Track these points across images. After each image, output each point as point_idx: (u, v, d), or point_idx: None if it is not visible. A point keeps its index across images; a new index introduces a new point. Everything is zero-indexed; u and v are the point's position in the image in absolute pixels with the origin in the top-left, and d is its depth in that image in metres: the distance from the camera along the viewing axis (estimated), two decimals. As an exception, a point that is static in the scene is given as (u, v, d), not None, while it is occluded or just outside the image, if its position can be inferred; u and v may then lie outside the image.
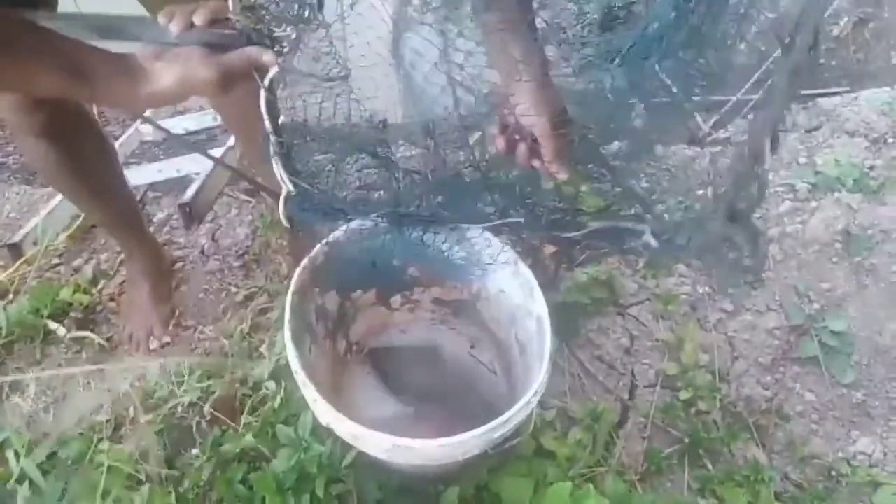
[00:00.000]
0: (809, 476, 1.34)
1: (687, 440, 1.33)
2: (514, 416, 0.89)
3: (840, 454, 1.37)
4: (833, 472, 1.34)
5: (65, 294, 1.52)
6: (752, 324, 1.53)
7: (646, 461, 1.31)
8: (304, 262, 1.04)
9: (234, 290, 1.54)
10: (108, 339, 1.46)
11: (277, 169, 0.89)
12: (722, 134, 1.95)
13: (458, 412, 1.25)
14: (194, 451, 1.18)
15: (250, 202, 1.76)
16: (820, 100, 1.96)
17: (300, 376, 0.94)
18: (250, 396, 1.22)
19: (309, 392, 0.93)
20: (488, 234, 1.05)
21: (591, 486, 0.94)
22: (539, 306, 0.99)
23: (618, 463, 1.29)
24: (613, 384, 1.42)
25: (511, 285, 1.08)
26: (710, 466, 1.33)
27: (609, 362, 1.45)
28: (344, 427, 0.91)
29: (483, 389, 1.29)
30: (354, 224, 1.04)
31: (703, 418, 1.37)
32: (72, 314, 1.50)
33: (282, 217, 0.95)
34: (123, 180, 1.36)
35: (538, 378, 0.92)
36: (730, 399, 1.39)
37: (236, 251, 1.64)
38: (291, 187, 0.91)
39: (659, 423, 1.37)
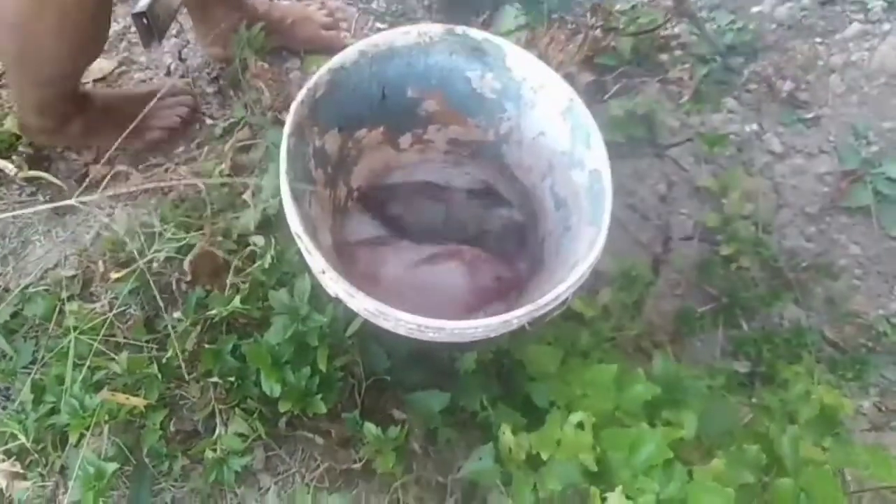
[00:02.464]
0: (847, 334, 1.24)
1: (724, 299, 1.21)
2: (565, 290, 0.74)
3: (881, 311, 1.27)
4: (872, 331, 1.24)
5: (10, 124, 1.28)
6: (801, 168, 1.36)
7: (677, 321, 1.20)
8: (302, 94, 0.82)
9: (209, 122, 1.31)
10: (68, 179, 1.25)
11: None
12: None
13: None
14: (176, 315, 1.03)
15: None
16: None
17: (304, 241, 0.76)
18: (235, 252, 1.05)
19: (315, 261, 0.76)
20: (535, 61, 0.82)
21: (640, 370, 0.81)
22: (597, 158, 0.80)
23: (647, 322, 1.18)
24: (646, 237, 1.27)
25: (557, 128, 0.88)
26: (745, 326, 1.23)
27: (643, 212, 1.29)
28: (358, 302, 0.76)
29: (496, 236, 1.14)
30: (363, 44, 0.81)
31: (741, 275, 1.24)
32: (21, 149, 1.27)
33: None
34: None
35: (592, 247, 0.76)
36: (771, 253, 1.25)
37: (208, 73, 1.38)
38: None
39: (693, 280, 1.24)
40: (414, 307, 0.72)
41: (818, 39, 1.47)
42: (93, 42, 1.03)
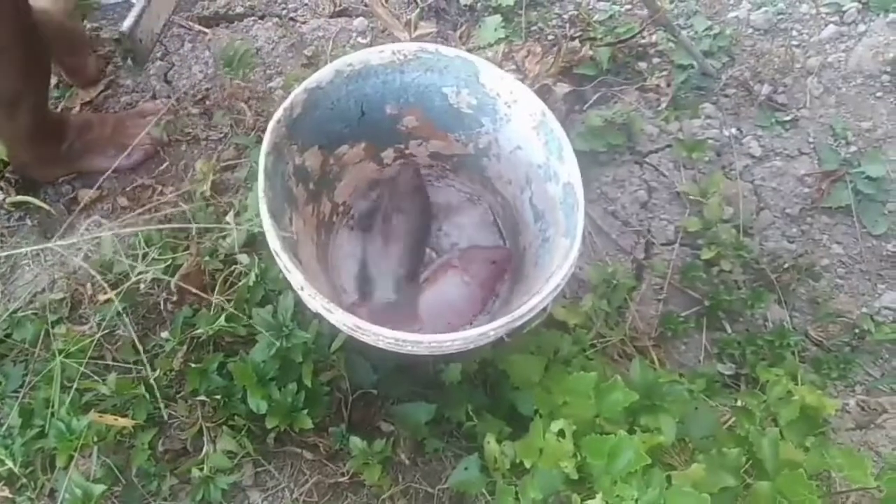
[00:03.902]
0: (832, 333, 1.26)
1: (707, 302, 1.22)
2: (540, 302, 0.75)
3: (864, 309, 1.28)
4: (856, 330, 1.25)
5: (-4, 151, 1.30)
6: (781, 170, 1.37)
7: (661, 325, 1.21)
8: (278, 114, 0.83)
9: (195, 142, 1.32)
10: (56, 203, 1.27)
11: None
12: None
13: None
14: (164, 335, 1.04)
15: (206, 34, 1.48)
16: None
17: (282, 259, 0.77)
18: (221, 271, 1.06)
19: (294, 278, 0.78)
20: (507, 78, 0.84)
21: (618, 377, 0.82)
22: (569, 171, 0.81)
23: (630, 328, 1.19)
24: (628, 243, 1.28)
25: (532, 142, 0.89)
26: (728, 329, 1.24)
27: (624, 218, 1.30)
28: (337, 317, 0.77)
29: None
30: (339, 63, 0.83)
31: (723, 277, 1.25)
32: (8, 175, 1.29)
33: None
34: None
35: (567, 258, 0.77)
36: (753, 255, 1.27)
37: (194, 95, 1.40)
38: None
39: (676, 284, 1.25)
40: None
41: (794, 43, 1.49)
42: (35, 66, 1.08)
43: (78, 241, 1.09)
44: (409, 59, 0.89)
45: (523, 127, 0.89)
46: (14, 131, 1.14)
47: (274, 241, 0.78)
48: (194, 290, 1.03)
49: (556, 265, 0.79)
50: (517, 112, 0.89)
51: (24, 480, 0.94)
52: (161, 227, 1.05)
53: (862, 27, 1.48)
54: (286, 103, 0.84)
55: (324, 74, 0.88)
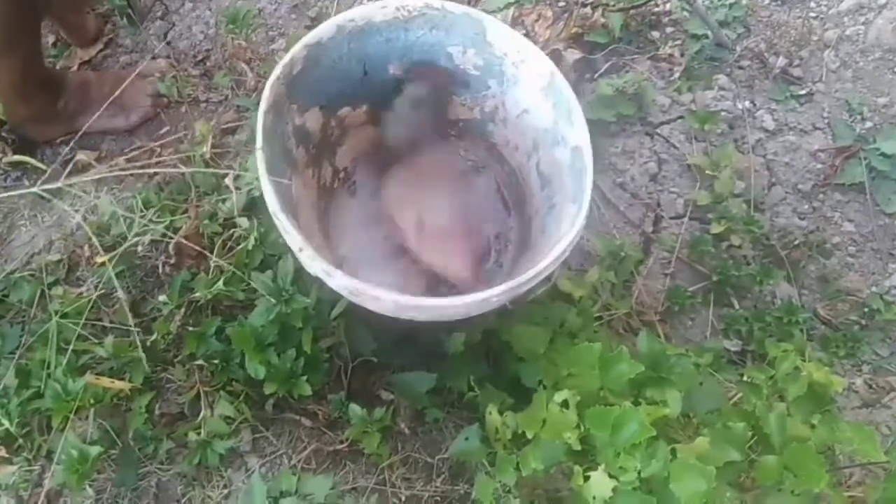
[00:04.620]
0: (840, 312, 1.24)
1: (715, 278, 1.19)
2: (545, 267, 0.73)
3: (874, 288, 1.26)
4: (865, 309, 1.23)
5: (-7, 110, 1.27)
6: (794, 145, 1.34)
7: (667, 300, 1.19)
8: (278, 70, 0.80)
9: (194, 104, 1.30)
10: (53, 164, 1.25)
11: None
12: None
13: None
14: (161, 298, 1.02)
15: (208, -7, 1.45)
16: None
17: (281, 220, 0.75)
18: (220, 234, 1.04)
19: (293, 239, 0.76)
20: (516, 36, 0.80)
21: (624, 348, 0.80)
22: (578, 134, 0.78)
23: (637, 302, 1.17)
24: (637, 215, 1.26)
25: (540, 105, 0.86)
26: (736, 305, 1.22)
27: (633, 190, 1.27)
28: (336, 281, 0.75)
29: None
30: (341, 18, 0.80)
31: (732, 253, 1.23)
32: (4, 135, 1.26)
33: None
34: None
35: (574, 224, 0.75)
36: (763, 231, 1.24)
37: (194, 56, 1.37)
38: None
39: (684, 258, 1.23)
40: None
41: (812, 14, 1.44)
42: (26, 8, 1.05)
43: (79, 182, 1.06)
44: (414, 15, 0.86)
45: (531, 89, 0.86)
46: (7, 79, 1.11)
47: (273, 202, 0.75)
48: (197, 248, 1.01)
49: (563, 232, 0.76)
50: (525, 73, 0.86)
51: (21, 441, 0.93)
52: (163, 170, 1.03)
53: (882, -1, 1.44)
54: (286, 59, 0.82)
55: (325, 30, 0.85)
